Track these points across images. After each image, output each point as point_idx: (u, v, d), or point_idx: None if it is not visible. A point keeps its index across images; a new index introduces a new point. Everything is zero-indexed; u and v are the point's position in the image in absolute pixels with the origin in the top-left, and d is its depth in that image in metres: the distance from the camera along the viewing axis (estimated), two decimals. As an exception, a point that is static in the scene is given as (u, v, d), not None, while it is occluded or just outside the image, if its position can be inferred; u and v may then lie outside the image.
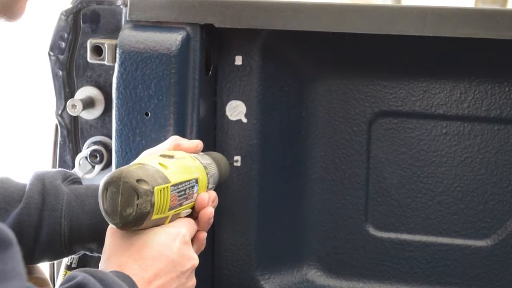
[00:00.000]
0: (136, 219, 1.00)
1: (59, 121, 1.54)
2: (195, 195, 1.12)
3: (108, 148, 1.51)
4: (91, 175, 1.51)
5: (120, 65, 1.33)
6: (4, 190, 1.19)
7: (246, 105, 1.44)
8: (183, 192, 1.08)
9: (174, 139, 1.22)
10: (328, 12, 1.30)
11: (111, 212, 1.01)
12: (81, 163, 1.51)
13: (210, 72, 1.42)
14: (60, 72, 1.51)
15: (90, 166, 1.51)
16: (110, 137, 1.44)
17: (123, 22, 1.37)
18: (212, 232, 1.49)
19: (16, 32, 3.18)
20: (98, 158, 1.51)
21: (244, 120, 1.45)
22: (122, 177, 1.00)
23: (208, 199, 1.15)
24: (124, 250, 1.03)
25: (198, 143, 1.23)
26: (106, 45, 1.41)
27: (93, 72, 1.51)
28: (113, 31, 1.45)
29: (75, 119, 1.54)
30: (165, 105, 1.32)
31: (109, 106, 1.48)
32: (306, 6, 1.30)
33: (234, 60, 1.43)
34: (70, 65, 1.51)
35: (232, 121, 1.45)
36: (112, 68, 1.39)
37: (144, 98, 1.32)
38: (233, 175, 1.45)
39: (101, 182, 1.02)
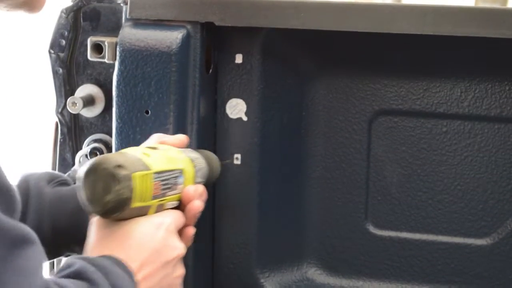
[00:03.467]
0: (116, 205, 0.99)
1: (59, 118, 1.54)
2: (180, 186, 1.11)
3: (108, 146, 1.51)
4: (91, 173, 1.51)
5: (121, 63, 1.33)
6: None
7: (246, 103, 1.44)
8: (167, 182, 1.06)
9: (158, 136, 1.21)
10: (328, 10, 1.30)
11: (91, 200, 0.99)
12: (81, 161, 1.51)
13: (211, 70, 1.41)
14: (61, 70, 1.51)
15: (90, 164, 1.51)
16: (110, 135, 1.44)
17: (123, 20, 1.37)
18: (212, 231, 1.49)
19: (16, 30, 3.18)
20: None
21: (245, 119, 1.45)
22: (101, 163, 0.99)
23: (194, 192, 1.13)
24: (107, 241, 1.02)
25: (183, 138, 1.22)
26: (106, 43, 1.41)
27: (94, 70, 1.51)
28: (114, 29, 1.46)
29: (75, 117, 1.54)
30: (165, 103, 1.32)
31: (109, 104, 1.48)
32: (307, 5, 1.30)
33: (234, 58, 1.43)
34: (71, 63, 1.51)
35: (232, 119, 1.45)
36: (113, 66, 1.39)
37: (145, 96, 1.32)
38: (233, 174, 1.45)
39: (82, 171, 1.00)
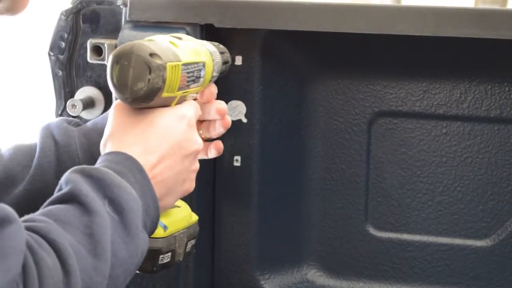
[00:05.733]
0: (147, 94, 0.96)
1: (59, 121, 1.53)
2: (201, 79, 1.09)
3: (108, 148, 1.51)
4: (91, 175, 1.51)
5: (120, 65, 1.33)
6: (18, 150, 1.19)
7: (246, 105, 1.44)
8: (191, 74, 1.04)
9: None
10: (328, 12, 1.30)
11: (121, 86, 0.96)
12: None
13: (210, 72, 1.41)
14: (60, 72, 1.51)
15: (90, 166, 1.51)
16: (110, 137, 1.44)
17: (123, 22, 1.37)
18: (212, 233, 1.49)
19: (16, 32, 3.18)
20: (98, 158, 1.50)
21: (244, 120, 1.45)
22: (134, 50, 0.96)
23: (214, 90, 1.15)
24: (129, 129, 1.00)
25: None
26: (106, 45, 1.41)
27: (93, 72, 1.51)
28: (113, 31, 1.45)
29: (75, 119, 1.54)
30: (165, 105, 1.32)
31: (109, 106, 1.47)
32: (306, 6, 1.30)
33: (234, 60, 1.43)
34: (70, 65, 1.51)
35: (232, 121, 1.45)
36: (112, 68, 1.39)
37: (144, 98, 1.32)
38: (233, 176, 1.45)
39: (111, 54, 0.98)
